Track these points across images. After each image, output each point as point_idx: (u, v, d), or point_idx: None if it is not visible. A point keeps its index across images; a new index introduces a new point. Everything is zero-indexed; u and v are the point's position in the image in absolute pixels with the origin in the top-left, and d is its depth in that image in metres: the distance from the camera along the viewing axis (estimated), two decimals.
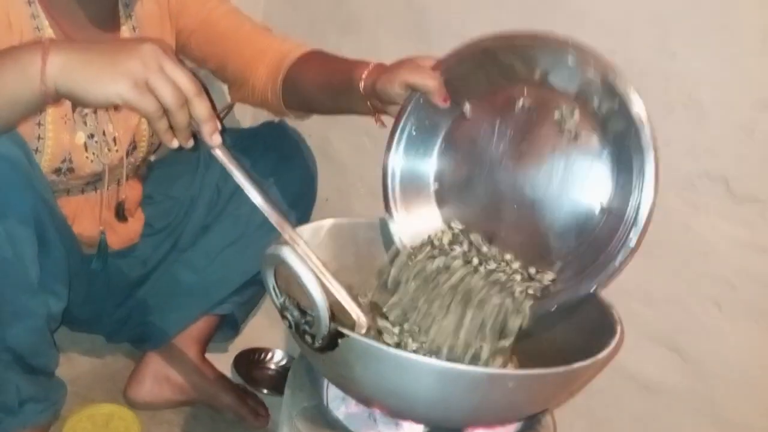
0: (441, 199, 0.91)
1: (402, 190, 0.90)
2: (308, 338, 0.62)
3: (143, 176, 1.21)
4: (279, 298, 0.63)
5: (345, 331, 0.59)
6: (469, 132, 0.88)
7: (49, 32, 0.91)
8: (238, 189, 1.14)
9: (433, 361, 0.58)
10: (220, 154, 0.71)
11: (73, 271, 1.01)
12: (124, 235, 1.16)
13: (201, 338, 1.24)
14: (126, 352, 1.31)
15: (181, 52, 1.11)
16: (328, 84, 0.99)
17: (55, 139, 0.94)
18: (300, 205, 1.25)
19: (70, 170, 0.98)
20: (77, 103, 0.76)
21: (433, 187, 0.91)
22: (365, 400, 0.69)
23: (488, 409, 0.64)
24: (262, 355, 1.38)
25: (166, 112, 0.69)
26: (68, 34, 0.93)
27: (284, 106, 1.06)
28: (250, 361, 1.37)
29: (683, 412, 0.95)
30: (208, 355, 1.28)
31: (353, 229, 0.93)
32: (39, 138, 0.93)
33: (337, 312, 0.79)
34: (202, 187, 1.19)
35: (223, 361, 1.32)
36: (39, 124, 0.92)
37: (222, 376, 1.25)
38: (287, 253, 0.58)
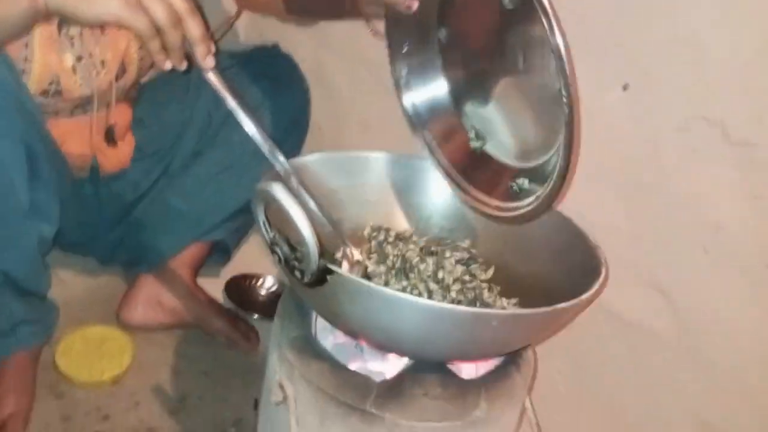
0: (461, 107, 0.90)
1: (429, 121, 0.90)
2: (297, 273, 0.62)
3: (133, 100, 1.19)
4: (269, 233, 0.63)
5: (334, 267, 0.60)
6: (459, 51, 0.87)
7: None
8: (230, 115, 1.13)
9: (420, 299, 0.58)
10: (212, 77, 0.70)
11: (63, 195, 1.01)
12: (114, 159, 1.15)
13: (193, 263, 1.25)
14: (119, 275, 1.32)
15: None
16: None
17: (42, 61, 0.92)
18: (293, 132, 1.24)
19: (58, 93, 0.97)
20: (68, 21, 0.73)
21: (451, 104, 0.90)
22: (352, 334, 0.71)
23: (472, 345, 0.66)
24: (254, 281, 1.40)
25: (158, 31, 0.67)
26: None
27: (285, 9, 1.02)
28: (242, 286, 1.38)
29: (665, 354, 0.96)
30: (200, 280, 1.29)
31: (347, 162, 0.92)
32: (26, 60, 0.90)
33: (327, 245, 0.80)
34: (194, 112, 1.17)
35: (215, 287, 1.34)
36: (26, 46, 0.90)
37: (214, 301, 1.27)
38: (277, 190, 0.58)
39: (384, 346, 0.70)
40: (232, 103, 0.70)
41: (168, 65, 0.70)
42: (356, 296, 0.61)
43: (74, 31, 0.95)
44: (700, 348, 0.93)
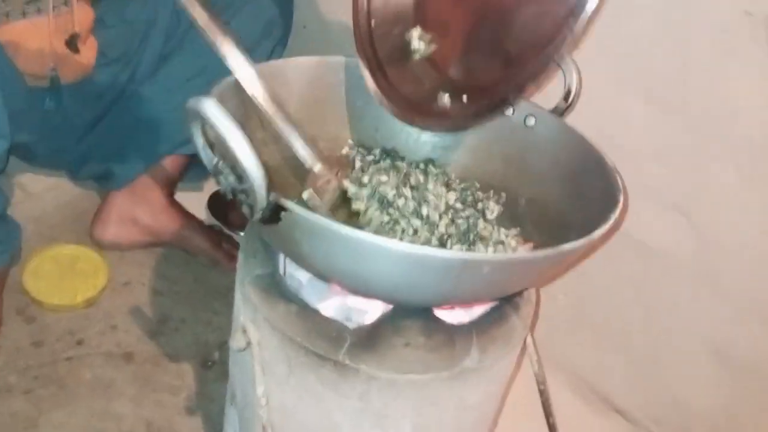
0: None
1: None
2: (246, 209, 0.51)
3: None
4: (212, 159, 0.52)
5: (287, 203, 0.49)
6: None
7: None
8: None
9: (391, 243, 0.47)
10: None
11: (17, 106, 0.90)
12: (76, 65, 1.02)
13: (169, 178, 1.15)
14: (93, 190, 1.23)
15: None
16: None
17: None
18: (274, 30, 1.10)
19: None
20: None
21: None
22: (320, 277, 0.61)
23: (460, 292, 0.55)
24: None
25: None
26: None
27: None
28: (226, 201, 1.28)
29: (682, 279, 0.90)
30: (181, 195, 1.21)
31: (327, 69, 0.79)
32: None
33: (296, 170, 0.69)
34: (158, 9, 1.03)
35: (197, 202, 1.25)
36: None
37: (193, 218, 1.18)
38: (209, 107, 0.46)
39: (357, 292, 0.60)
40: None
41: None
42: (316, 238, 0.51)
43: None
44: (719, 274, 0.86)
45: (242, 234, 1.21)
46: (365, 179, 0.67)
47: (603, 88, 0.85)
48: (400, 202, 0.64)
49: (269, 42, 1.08)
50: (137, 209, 1.13)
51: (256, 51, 1.02)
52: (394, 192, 0.65)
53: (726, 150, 0.79)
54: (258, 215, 0.50)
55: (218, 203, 1.27)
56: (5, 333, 0.99)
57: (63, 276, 1.08)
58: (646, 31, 0.82)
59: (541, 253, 0.51)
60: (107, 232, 1.13)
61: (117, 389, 0.96)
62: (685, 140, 0.82)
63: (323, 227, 0.48)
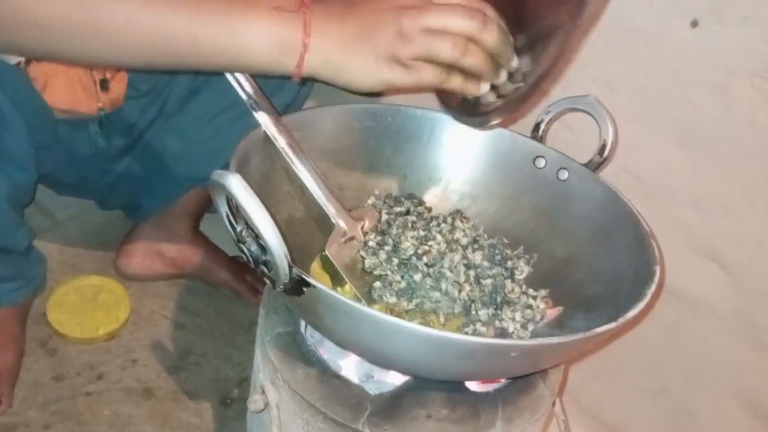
0: None
1: None
2: (269, 281, 0.50)
3: None
4: (235, 227, 0.50)
5: (310, 280, 0.47)
6: None
7: None
8: None
9: (418, 327, 0.45)
10: None
11: (47, 141, 0.91)
12: (107, 99, 1.02)
13: (194, 210, 1.14)
14: (119, 219, 1.23)
15: None
16: None
17: None
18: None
19: None
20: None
21: None
22: (340, 346, 0.59)
23: (487, 371, 0.53)
24: None
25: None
26: None
27: None
28: None
29: (719, 329, 0.87)
30: (205, 225, 1.20)
31: (354, 117, 0.78)
32: None
33: (321, 222, 0.67)
34: None
35: (220, 233, 1.24)
36: None
37: (217, 250, 1.18)
38: (233, 183, 0.44)
39: (379, 365, 0.58)
40: None
41: (485, 87, 0.62)
42: (339, 314, 0.49)
43: None
44: (757, 324, 0.83)
45: None
46: (389, 241, 0.65)
47: (636, 131, 0.83)
48: (417, 277, 0.62)
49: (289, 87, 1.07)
50: (162, 241, 1.12)
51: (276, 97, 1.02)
52: (412, 251, 0.63)
53: (764, 193, 0.76)
54: (280, 288, 0.48)
55: None
56: (27, 365, 0.99)
57: (85, 308, 1.07)
58: (683, 78, 0.80)
59: (571, 338, 0.48)
60: (132, 263, 1.13)
61: (135, 426, 0.95)
62: (721, 187, 0.79)
63: (346, 305, 0.46)
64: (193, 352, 1.08)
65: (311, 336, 0.64)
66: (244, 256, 0.51)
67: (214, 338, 1.10)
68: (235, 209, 0.49)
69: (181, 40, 0.57)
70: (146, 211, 1.12)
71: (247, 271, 1.18)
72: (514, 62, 0.63)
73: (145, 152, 1.09)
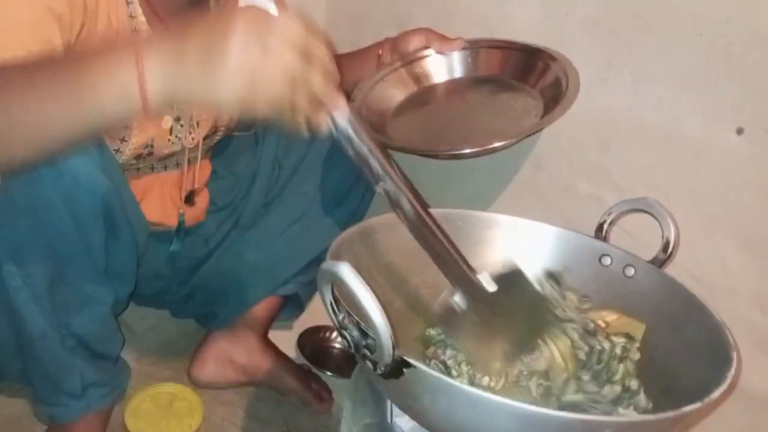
0: None
1: None
2: (369, 364, 0.54)
3: (211, 155, 1.16)
4: (337, 315, 0.55)
5: (412, 361, 0.51)
6: None
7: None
8: (299, 164, 1.06)
9: (516, 404, 0.48)
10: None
11: (140, 252, 0.97)
12: (191, 214, 1.12)
13: (265, 319, 1.19)
14: (193, 330, 1.28)
15: None
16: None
17: (141, 128, 0.90)
18: None
19: (150, 154, 0.95)
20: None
21: None
22: (433, 431, 0.61)
23: None
24: (327, 333, 1.33)
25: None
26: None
27: None
28: (315, 339, 1.32)
29: None
30: (272, 332, 1.24)
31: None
32: (126, 128, 0.88)
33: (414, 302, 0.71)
34: (262, 162, 1.13)
35: (287, 340, 1.28)
36: None
37: (285, 358, 1.21)
38: (344, 271, 0.50)
39: None
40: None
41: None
42: (438, 394, 0.52)
43: None
44: None
45: (329, 374, 1.23)
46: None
47: (694, 235, 0.85)
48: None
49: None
50: (234, 349, 1.16)
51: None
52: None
53: None
54: (381, 370, 0.52)
55: (308, 341, 1.30)
56: None
57: (161, 415, 1.10)
58: (735, 182, 0.83)
59: (664, 415, 0.50)
60: (205, 371, 1.16)
61: None
62: None
63: (448, 384, 0.50)
64: None
65: (399, 426, 0.66)
66: (345, 342, 0.55)
67: None
68: (338, 297, 0.54)
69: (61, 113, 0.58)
70: (221, 320, 1.17)
71: (313, 378, 1.20)
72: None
73: (221, 264, 1.16)
